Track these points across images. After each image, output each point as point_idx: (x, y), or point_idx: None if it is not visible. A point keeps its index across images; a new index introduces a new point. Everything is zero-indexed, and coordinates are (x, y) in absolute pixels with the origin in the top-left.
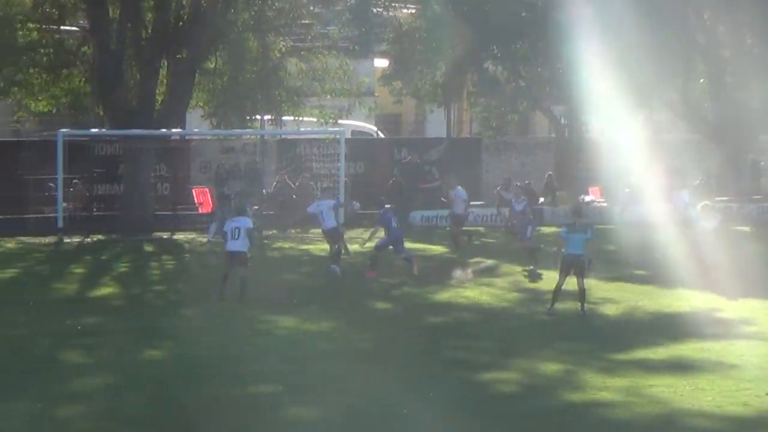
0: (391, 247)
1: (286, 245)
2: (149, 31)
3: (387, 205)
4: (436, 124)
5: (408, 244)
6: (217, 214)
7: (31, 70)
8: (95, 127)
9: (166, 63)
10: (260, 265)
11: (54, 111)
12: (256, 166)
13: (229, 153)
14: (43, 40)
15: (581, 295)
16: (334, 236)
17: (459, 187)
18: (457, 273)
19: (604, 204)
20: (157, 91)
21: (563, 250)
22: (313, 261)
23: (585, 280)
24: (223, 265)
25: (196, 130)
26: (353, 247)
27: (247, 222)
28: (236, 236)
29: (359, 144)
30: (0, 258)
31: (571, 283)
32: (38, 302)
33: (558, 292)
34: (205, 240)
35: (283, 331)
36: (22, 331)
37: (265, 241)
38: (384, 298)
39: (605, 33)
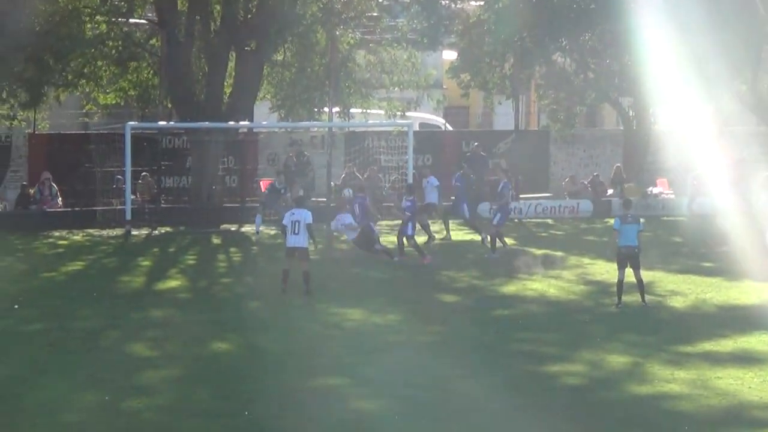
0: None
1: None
2: (217, 23)
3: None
4: (504, 117)
5: (474, 236)
6: (259, 208)
7: (99, 63)
8: (163, 120)
9: (234, 55)
10: (328, 258)
11: (122, 103)
12: (303, 158)
13: (297, 145)
14: (112, 33)
15: (640, 286)
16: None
17: (432, 176)
18: (523, 263)
19: (672, 195)
20: (225, 84)
21: (617, 242)
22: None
23: (652, 273)
24: (283, 260)
25: (263, 122)
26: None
27: (306, 215)
28: (296, 231)
29: (427, 136)
30: (68, 250)
31: (630, 275)
32: (106, 295)
33: (621, 286)
34: (253, 231)
35: (351, 324)
36: (89, 324)
37: (335, 233)
38: (451, 290)
39: (673, 24)
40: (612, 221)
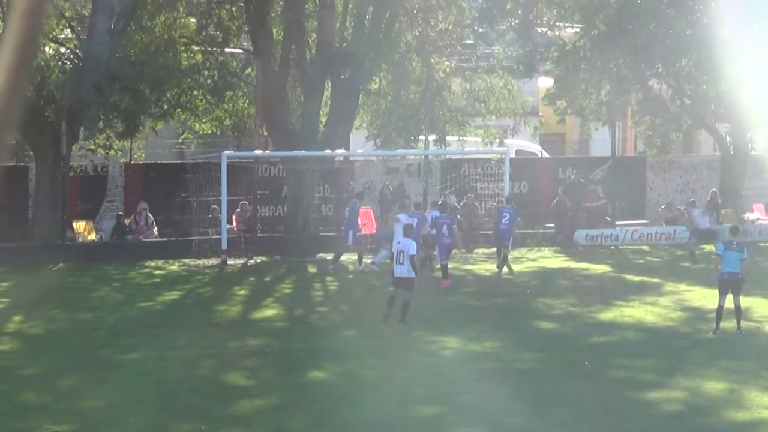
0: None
1: (450, 265)
2: (313, 51)
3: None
4: (601, 143)
5: (570, 263)
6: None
7: (195, 93)
8: (259, 149)
9: (329, 84)
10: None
11: (218, 133)
12: (349, 188)
13: (393, 174)
14: (207, 63)
15: (737, 313)
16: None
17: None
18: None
19: None
20: (321, 112)
21: (719, 269)
22: (477, 281)
23: (750, 299)
24: (390, 286)
25: (359, 150)
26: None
27: (410, 246)
28: (401, 261)
29: (523, 163)
30: (164, 280)
31: (730, 301)
32: (202, 324)
33: (721, 313)
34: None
35: (448, 352)
36: (186, 353)
37: (427, 263)
38: (548, 317)
39: None
40: (708, 248)
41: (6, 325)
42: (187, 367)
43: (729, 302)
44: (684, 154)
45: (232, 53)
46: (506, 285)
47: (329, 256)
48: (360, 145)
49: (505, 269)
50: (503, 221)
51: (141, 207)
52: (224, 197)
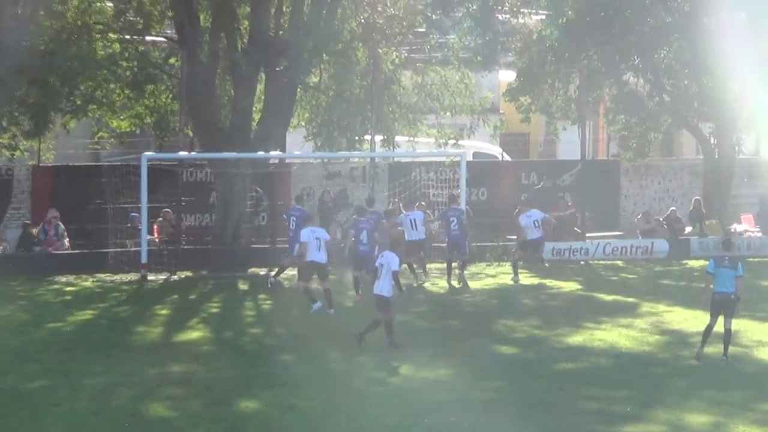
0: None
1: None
2: (245, 40)
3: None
4: (569, 145)
5: (535, 280)
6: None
7: (112, 86)
8: (183, 150)
9: (263, 77)
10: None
11: (137, 131)
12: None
13: (335, 178)
14: (126, 52)
15: (726, 338)
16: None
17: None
18: None
19: (759, 233)
20: (254, 109)
21: (711, 287)
22: (428, 300)
23: (737, 321)
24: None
25: (297, 152)
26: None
27: (393, 262)
28: (379, 275)
29: (482, 167)
30: (76, 298)
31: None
32: (118, 348)
33: (708, 334)
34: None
35: (396, 380)
36: (99, 380)
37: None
38: (509, 341)
39: (759, 41)
40: (691, 263)
41: None
42: (102, 396)
43: (719, 325)
44: (663, 158)
45: (153, 42)
46: (462, 304)
47: (262, 272)
48: (298, 145)
49: (457, 282)
50: (452, 226)
51: (50, 215)
52: (144, 204)
